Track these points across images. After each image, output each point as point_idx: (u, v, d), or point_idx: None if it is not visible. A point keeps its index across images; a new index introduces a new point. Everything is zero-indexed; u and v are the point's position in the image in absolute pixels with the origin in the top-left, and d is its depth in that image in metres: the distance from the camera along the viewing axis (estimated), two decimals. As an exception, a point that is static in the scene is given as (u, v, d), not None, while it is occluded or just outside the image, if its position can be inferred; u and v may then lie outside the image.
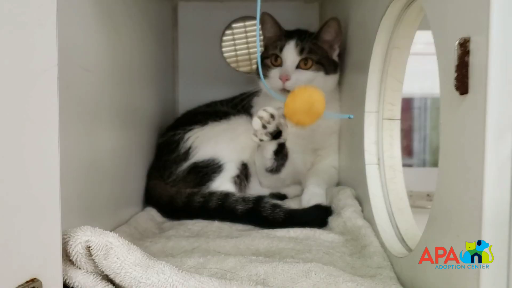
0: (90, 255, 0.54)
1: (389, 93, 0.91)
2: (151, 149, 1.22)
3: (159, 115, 1.32)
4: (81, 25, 0.74)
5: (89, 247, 0.53)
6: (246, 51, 1.60)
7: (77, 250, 0.53)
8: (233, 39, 1.60)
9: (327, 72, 1.18)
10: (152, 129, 1.24)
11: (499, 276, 0.47)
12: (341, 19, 1.20)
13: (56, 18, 0.48)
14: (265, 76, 1.18)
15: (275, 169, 1.12)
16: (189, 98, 1.54)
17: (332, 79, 1.20)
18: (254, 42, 1.60)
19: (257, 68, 0.90)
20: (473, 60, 0.50)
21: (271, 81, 1.16)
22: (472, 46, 0.50)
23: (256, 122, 0.98)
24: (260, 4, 0.81)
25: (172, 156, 1.17)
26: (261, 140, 1.00)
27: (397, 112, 0.92)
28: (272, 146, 1.05)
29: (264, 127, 0.98)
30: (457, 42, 0.51)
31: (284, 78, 1.13)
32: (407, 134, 3.34)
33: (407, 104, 3.30)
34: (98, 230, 0.54)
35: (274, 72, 1.17)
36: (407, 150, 3.32)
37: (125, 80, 0.97)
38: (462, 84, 0.51)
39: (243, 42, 1.60)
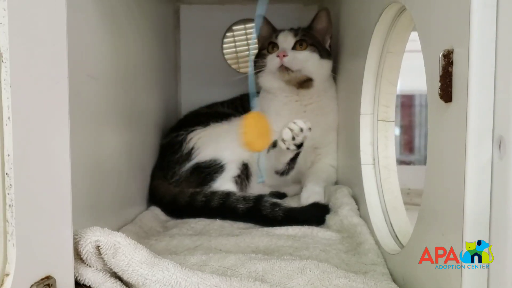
0: (100, 254, 0.57)
1: (384, 96, 0.94)
2: (155, 150, 1.26)
3: (162, 116, 1.35)
4: (89, 35, 0.78)
5: (99, 246, 0.57)
6: (247, 52, 1.64)
7: (87, 249, 0.57)
8: (234, 41, 1.64)
9: (322, 55, 1.21)
10: (156, 130, 1.27)
11: (481, 273, 0.51)
12: (336, 24, 1.24)
13: (66, 36, 0.52)
14: (262, 65, 1.22)
15: (285, 172, 1.18)
16: (191, 99, 1.57)
17: (327, 64, 1.23)
18: (255, 43, 1.63)
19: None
20: (456, 70, 0.53)
21: (269, 65, 1.21)
22: (455, 57, 0.53)
23: (287, 132, 1.05)
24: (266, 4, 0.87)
25: (175, 156, 1.21)
26: (287, 148, 1.07)
27: (391, 114, 0.95)
28: (292, 154, 1.11)
29: (293, 138, 1.04)
30: (441, 53, 0.54)
31: (282, 54, 1.17)
32: (408, 130, 3.37)
33: (408, 101, 3.32)
34: (107, 231, 0.58)
35: (271, 56, 1.21)
36: (409, 147, 3.34)
37: (130, 84, 1.01)
38: (446, 93, 0.54)
39: (244, 44, 1.64)
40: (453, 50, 0.53)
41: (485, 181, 0.50)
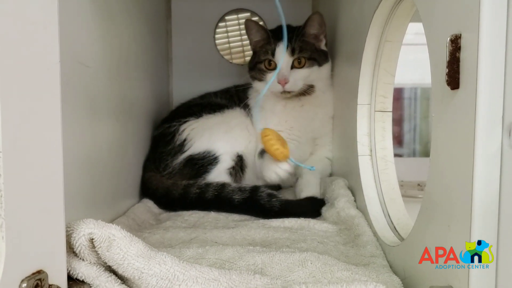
0: (93, 247, 0.55)
1: (381, 86, 0.93)
2: (146, 141, 1.23)
3: (154, 107, 1.32)
4: (81, 21, 0.75)
5: (92, 239, 0.55)
6: (240, 43, 1.61)
7: (80, 242, 0.54)
8: (227, 31, 1.61)
9: (320, 64, 1.21)
10: (148, 121, 1.25)
11: (489, 266, 0.49)
12: (334, 13, 1.21)
13: (57, 21, 0.50)
14: (262, 80, 1.23)
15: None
16: (183, 90, 1.55)
17: (326, 68, 1.23)
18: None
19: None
20: (464, 56, 0.51)
21: (270, 87, 1.18)
22: (463, 43, 0.51)
23: (270, 176, 1.11)
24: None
25: (168, 148, 1.18)
26: None
27: (389, 104, 0.93)
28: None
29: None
30: (448, 39, 0.52)
31: (283, 82, 1.16)
32: (397, 123, 3.37)
33: (398, 94, 3.32)
34: (101, 223, 0.56)
35: (271, 76, 1.19)
36: (398, 140, 3.35)
37: (122, 73, 0.98)
38: (453, 80, 0.52)
39: (237, 34, 1.61)
40: (461, 35, 0.51)
41: (495, 171, 0.48)
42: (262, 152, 1.16)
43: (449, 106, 0.54)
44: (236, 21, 1.61)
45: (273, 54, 1.20)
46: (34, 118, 0.48)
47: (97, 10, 0.82)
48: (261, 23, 1.59)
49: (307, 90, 1.21)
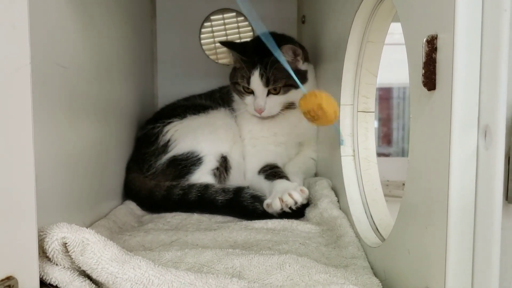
0: (67, 251, 0.54)
1: (364, 86, 0.93)
2: (130, 143, 1.22)
3: (138, 108, 1.31)
4: (57, 21, 0.73)
5: (66, 243, 0.54)
6: (225, 43, 1.61)
7: (53, 247, 0.53)
8: (212, 31, 1.60)
9: (297, 86, 1.15)
10: (131, 122, 1.24)
11: (465, 266, 0.49)
12: (318, 16, 1.21)
13: (28, 18, 0.49)
14: (241, 99, 1.22)
15: None
16: (168, 91, 1.54)
17: (305, 86, 1.18)
18: (233, 34, 1.60)
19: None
20: (441, 57, 0.51)
21: (248, 108, 1.20)
22: (440, 43, 0.51)
23: (276, 204, 0.99)
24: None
25: (151, 148, 1.17)
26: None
27: (371, 104, 0.93)
28: None
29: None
30: (424, 39, 0.52)
31: (259, 111, 1.16)
32: (386, 123, 3.38)
33: (386, 94, 3.34)
34: (75, 227, 0.55)
35: (249, 100, 1.19)
36: (387, 139, 3.36)
37: (103, 74, 0.97)
38: (429, 81, 0.52)
39: (222, 34, 1.60)
40: (437, 35, 0.51)
41: (470, 172, 0.48)
42: (270, 175, 1.13)
43: (426, 107, 0.54)
44: (222, 21, 1.60)
45: (248, 82, 1.17)
46: (3, 120, 0.47)
47: (74, 11, 0.80)
48: (245, 22, 1.59)
49: (288, 107, 1.20)
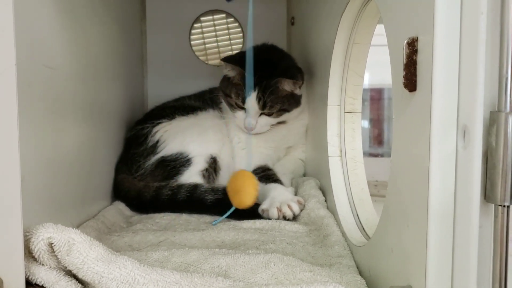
0: (53, 251, 0.54)
1: (350, 87, 0.94)
2: (119, 143, 1.22)
3: (128, 108, 1.31)
4: (44, 22, 0.74)
5: (52, 243, 0.54)
6: (215, 44, 1.61)
7: (39, 247, 0.54)
8: (202, 32, 1.61)
9: (290, 110, 1.18)
10: (120, 123, 1.24)
11: (445, 264, 0.50)
12: (306, 18, 1.22)
13: (13, 20, 0.49)
14: (231, 111, 1.20)
15: None
16: (158, 91, 1.54)
17: (296, 111, 1.20)
18: (223, 35, 1.61)
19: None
20: (421, 58, 0.52)
21: (237, 122, 1.18)
22: (420, 45, 0.52)
23: (273, 212, 0.98)
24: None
25: (140, 149, 1.17)
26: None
27: (358, 105, 0.94)
28: None
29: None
30: (405, 41, 0.53)
31: (249, 129, 1.15)
32: (377, 124, 3.40)
33: (378, 95, 3.35)
34: (61, 227, 0.55)
35: (240, 115, 1.17)
36: (378, 140, 3.38)
37: (90, 75, 0.97)
38: (410, 82, 0.53)
39: (212, 35, 1.61)
40: (417, 38, 0.52)
41: (450, 171, 0.49)
42: (263, 178, 1.13)
43: (407, 107, 0.55)
44: (212, 22, 1.61)
45: (243, 101, 1.15)
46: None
47: (61, 13, 0.81)
48: (235, 24, 1.60)
49: (278, 123, 1.20)
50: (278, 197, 1.02)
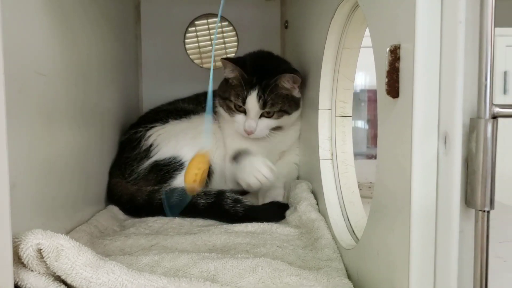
0: (42, 257, 0.55)
1: (341, 92, 0.95)
2: (113, 148, 1.23)
3: (122, 113, 1.32)
4: (34, 28, 0.74)
5: (40, 249, 0.55)
6: (210, 48, 1.62)
7: (28, 253, 0.54)
8: (197, 36, 1.62)
9: (290, 112, 1.19)
10: (114, 127, 1.24)
11: (427, 268, 0.51)
12: (299, 22, 1.22)
13: (1, 28, 0.50)
14: (229, 115, 1.21)
15: None
16: (153, 95, 1.55)
17: (295, 115, 1.21)
18: (217, 39, 1.62)
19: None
20: (403, 66, 0.53)
21: (236, 126, 1.19)
22: (402, 53, 0.53)
23: (252, 180, 1.07)
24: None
25: (133, 153, 1.18)
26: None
27: (349, 109, 0.95)
28: None
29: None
30: (388, 49, 0.54)
31: (249, 133, 1.16)
32: (375, 125, 3.41)
33: (375, 96, 3.37)
34: (49, 233, 0.56)
35: (239, 119, 1.18)
36: (375, 141, 3.39)
37: (84, 80, 0.97)
38: (392, 89, 0.54)
39: (207, 39, 1.62)
40: (400, 45, 0.53)
41: (431, 177, 0.50)
42: (236, 156, 1.16)
43: (391, 114, 0.56)
44: (206, 26, 1.62)
45: (243, 102, 1.16)
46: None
47: (52, 17, 0.81)
48: (230, 28, 1.61)
49: (275, 129, 1.21)
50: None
